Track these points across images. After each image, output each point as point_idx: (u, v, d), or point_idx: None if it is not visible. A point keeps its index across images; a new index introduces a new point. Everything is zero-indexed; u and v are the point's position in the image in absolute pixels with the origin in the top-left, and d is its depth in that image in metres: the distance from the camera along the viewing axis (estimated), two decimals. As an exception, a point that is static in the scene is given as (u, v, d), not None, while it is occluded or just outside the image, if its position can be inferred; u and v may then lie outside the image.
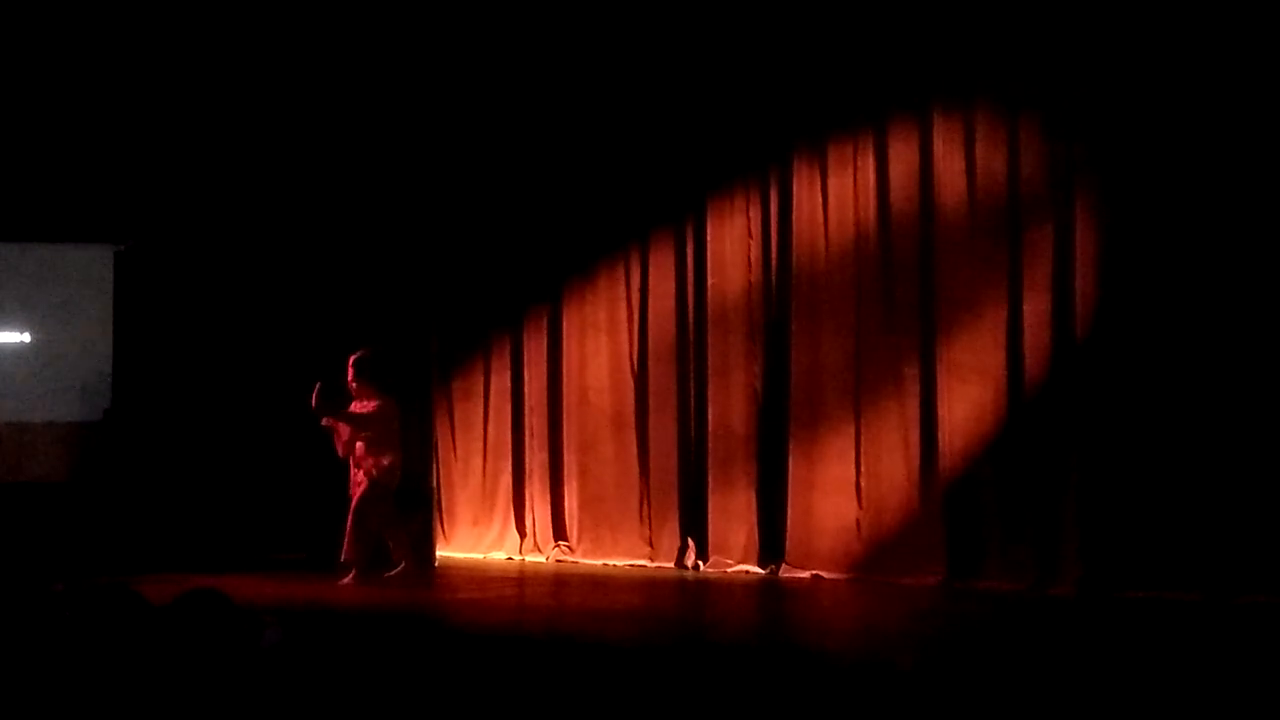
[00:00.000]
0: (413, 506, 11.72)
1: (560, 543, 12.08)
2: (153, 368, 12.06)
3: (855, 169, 10.49)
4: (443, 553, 12.08)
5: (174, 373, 12.01)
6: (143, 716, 5.04)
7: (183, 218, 12.17)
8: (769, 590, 10.28)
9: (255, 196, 12.05)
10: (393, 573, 10.57)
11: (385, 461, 10.51)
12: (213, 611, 5.58)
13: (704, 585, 10.59)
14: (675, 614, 9.41)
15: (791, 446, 10.70)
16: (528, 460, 12.37)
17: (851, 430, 10.40)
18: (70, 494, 11.76)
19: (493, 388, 12.61)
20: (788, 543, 10.69)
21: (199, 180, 12.10)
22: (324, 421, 10.51)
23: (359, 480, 10.54)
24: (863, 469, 10.35)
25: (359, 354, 10.60)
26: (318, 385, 10.31)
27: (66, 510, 11.52)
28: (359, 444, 10.54)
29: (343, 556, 10.42)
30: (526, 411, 12.39)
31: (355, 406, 10.56)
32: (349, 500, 10.52)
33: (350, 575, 10.34)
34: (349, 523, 10.43)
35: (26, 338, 12.22)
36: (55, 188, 11.90)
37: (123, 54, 11.67)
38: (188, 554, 10.97)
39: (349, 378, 10.54)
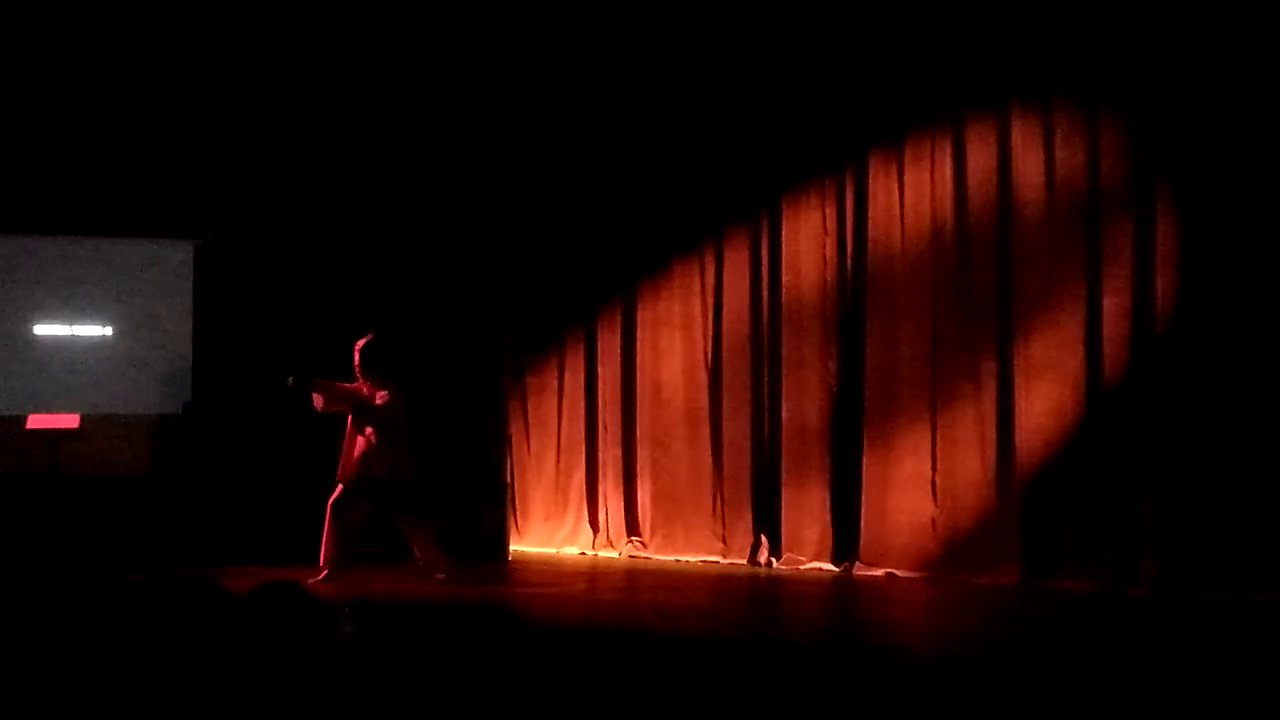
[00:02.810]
0: (485, 500, 11.80)
1: (633, 538, 12.10)
2: (232, 361, 12.18)
3: (932, 165, 10.42)
4: (516, 547, 12.14)
5: (253, 366, 12.11)
6: (219, 706, 5.10)
7: (262, 214, 12.29)
8: (842, 588, 10.24)
9: (334, 192, 12.15)
10: (441, 576, 10.08)
11: (394, 455, 10.09)
12: (290, 604, 5.64)
13: (776, 582, 10.57)
14: (747, 611, 9.40)
15: (866, 443, 10.65)
16: (601, 456, 12.40)
17: (927, 427, 10.34)
18: (151, 486, 11.91)
19: (567, 384, 12.64)
20: (861, 540, 10.65)
21: (278, 177, 12.21)
22: (300, 385, 10.08)
23: (350, 475, 10.10)
24: (939, 466, 10.28)
25: (365, 340, 10.17)
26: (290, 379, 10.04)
27: (148, 502, 11.66)
28: (361, 439, 10.09)
29: (322, 559, 10.04)
30: (600, 407, 12.41)
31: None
32: (332, 489, 10.11)
33: (324, 574, 9.90)
34: (326, 521, 10.06)
35: (109, 332, 12.39)
36: (137, 183, 12.05)
37: (206, 53, 11.80)
38: (267, 546, 11.07)
39: (355, 365, 10.13)
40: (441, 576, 10.10)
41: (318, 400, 10.23)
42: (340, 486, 10.16)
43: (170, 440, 12.27)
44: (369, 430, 10.10)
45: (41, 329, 12.26)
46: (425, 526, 10.30)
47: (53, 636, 5.48)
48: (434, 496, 10.67)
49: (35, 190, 11.89)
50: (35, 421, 11.50)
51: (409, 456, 10.23)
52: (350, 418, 10.18)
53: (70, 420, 11.56)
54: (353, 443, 10.19)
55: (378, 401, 10.04)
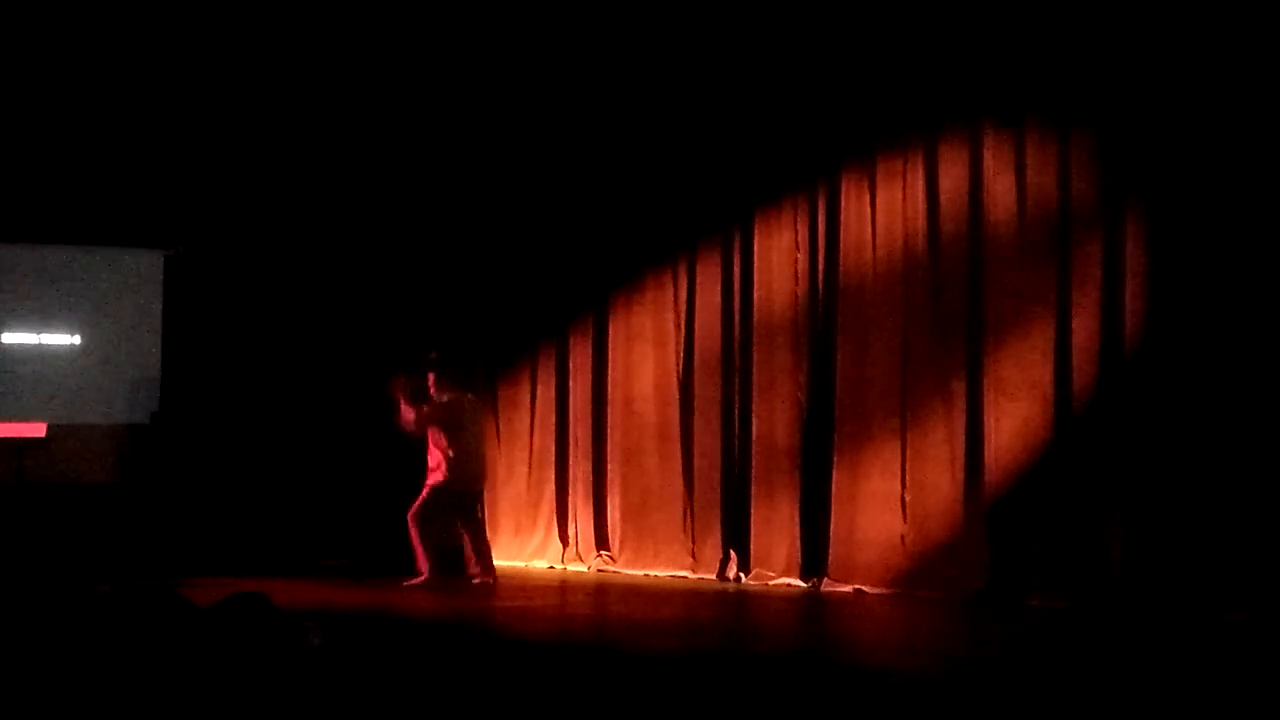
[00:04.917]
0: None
1: (602, 552, 12.08)
2: (200, 372, 12.16)
3: (904, 183, 10.45)
4: (485, 560, 12.10)
5: (221, 377, 12.09)
6: (185, 717, 5.07)
7: (233, 225, 12.27)
8: (810, 603, 10.24)
9: (305, 206, 12.13)
10: (408, 583, 10.49)
11: (458, 463, 10.53)
12: (256, 615, 5.61)
13: (745, 597, 10.56)
14: (716, 626, 9.39)
15: (836, 459, 10.66)
16: (571, 469, 12.38)
17: (897, 444, 10.35)
18: (118, 496, 11.85)
19: (539, 397, 12.63)
20: (830, 556, 10.65)
21: (250, 188, 12.19)
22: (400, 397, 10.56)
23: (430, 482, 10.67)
24: (908, 483, 10.29)
25: (431, 354, 10.68)
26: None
27: (114, 512, 11.61)
28: (432, 448, 10.63)
29: (419, 566, 10.51)
30: (571, 421, 12.40)
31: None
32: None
33: (421, 579, 10.40)
34: (412, 531, 10.48)
35: (77, 340, 12.34)
36: (108, 193, 12.01)
37: (178, 63, 11.78)
38: (233, 557, 11.04)
39: (429, 380, 10.59)
40: (493, 582, 10.54)
41: (408, 417, 10.62)
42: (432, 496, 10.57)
43: (138, 450, 12.23)
44: (432, 440, 10.59)
45: (9, 337, 12.21)
46: (481, 536, 10.83)
47: (18, 646, 5.44)
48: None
49: (4, 198, 11.84)
50: (1, 430, 11.44)
51: (477, 462, 10.76)
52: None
53: (37, 429, 11.51)
54: (429, 452, 10.70)
55: (427, 410, 10.53)
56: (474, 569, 10.68)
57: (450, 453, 10.49)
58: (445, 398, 10.60)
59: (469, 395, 10.80)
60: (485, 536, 10.96)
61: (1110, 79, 9.44)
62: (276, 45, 11.74)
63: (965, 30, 10.14)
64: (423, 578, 10.42)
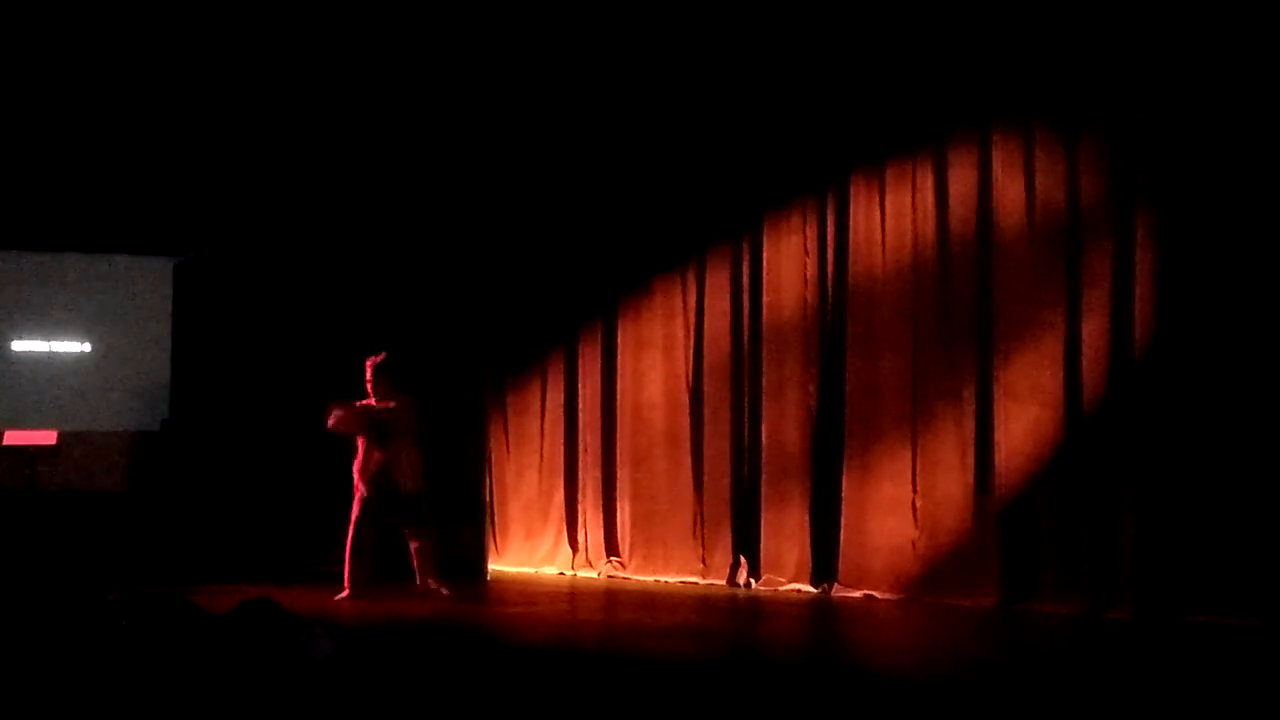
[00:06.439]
0: (464, 519, 11.77)
1: (612, 558, 12.08)
2: (210, 379, 12.17)
3: (914, 188, 10.44)
4: (494, 566, 12.11)
5: (231, 384, 12.10)
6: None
7: (242, 232, 12.28)
8: (821, 609, 10.23)
9: (315, 213, 12.14)
10: (445, 592, 10.29)
11: (408, 468, 10.29)
12: (266, 622, 5.62)
13: (755, 603, 10.55)
14: (727, 632, 9.38)
15: (846, 465, 10.65)
16: (581, 476, 12.38)
17: (907, 450, 10.34)
18: (128, 503, 11.87)
19: (548, 403, 12.64)
20: (840, 562, 10.64)
21: (258, 196, 12.21)
22: (335, 414, 10.27)
23: (368, 490, 10.30)
24: (919, 488, 10.28)
25: (378, 357, 10.38)
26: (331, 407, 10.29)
27: (125, 519, 11.63)
28: (378, 453, 10.25)
29: (346, 580, 10.20)
30: (581, 427, 12.40)
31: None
32: (349, 513, 10.30)
33: (346, 593, 10.11)
34: (349, 540, 10.23)
35: (87, 348, 12.36)
36: (117, 200, 12.04)
37: (186, 71, 11.79)
38: (244, 564, 11.04)
39: (367, 381, 10.32)
40: (446, 593, 10.24)
41: (332, 420, 10.35)
42: (360, 505, 10.28)
43: (148, 457, 12.24)
44: (382, 444, 10.27)
45: (20, 345, 12.24)
46: (431, 542, 10.45)
47: (29, 654, 5.45)
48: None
49: (14, 206, 11.87)
50: (12, 438, 11.47)
51: (420, 468, 10.40)
52: (364, 434, 10.34)
53: (48, 436, 11.53)
54: (369, 458, 10.32)
55: (385, 414, 10.27)
56: (433, 582, 10.37)
57: (404, 460, 10.27)
58: (393, 401, 10.32)
59: (409, 398, 10.45)
60: (433, 542, 10.57)
61: (1119, 83, 9.43)
62: (286, 53, 11.75)
63: (973, 35, 10.13)
64: (347, 592, 10.18)
